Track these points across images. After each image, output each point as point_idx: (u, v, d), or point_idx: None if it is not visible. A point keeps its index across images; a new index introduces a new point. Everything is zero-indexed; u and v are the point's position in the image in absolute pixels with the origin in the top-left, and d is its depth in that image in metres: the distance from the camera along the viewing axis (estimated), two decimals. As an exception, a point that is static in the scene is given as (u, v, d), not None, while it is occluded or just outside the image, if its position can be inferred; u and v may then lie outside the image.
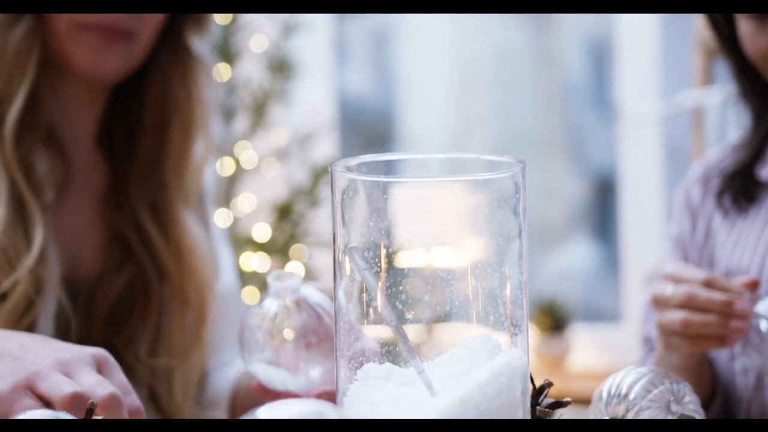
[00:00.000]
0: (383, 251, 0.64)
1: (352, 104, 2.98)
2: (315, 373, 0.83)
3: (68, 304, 1.01)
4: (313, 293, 0.84)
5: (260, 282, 2.00)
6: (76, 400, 0.74)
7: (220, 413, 1.07)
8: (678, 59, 2.34)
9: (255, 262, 2.09)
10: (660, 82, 2.44)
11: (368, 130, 3.16)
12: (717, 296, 0.95)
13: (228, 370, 1.10)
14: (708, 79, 1.91)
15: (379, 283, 0.64)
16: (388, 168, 0.66)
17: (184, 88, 1.09)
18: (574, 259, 3.15)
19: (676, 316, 0.96)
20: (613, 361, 2.25)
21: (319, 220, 2.22)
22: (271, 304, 0.82)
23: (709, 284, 0.96)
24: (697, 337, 0.97)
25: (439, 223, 0.65)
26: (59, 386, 0.75)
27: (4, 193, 0.96)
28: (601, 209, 3.12)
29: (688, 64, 2.09)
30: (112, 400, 0.75)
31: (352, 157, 0.65)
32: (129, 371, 1.04)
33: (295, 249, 2.12)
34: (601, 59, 3.00)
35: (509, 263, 0.65)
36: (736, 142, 1.21)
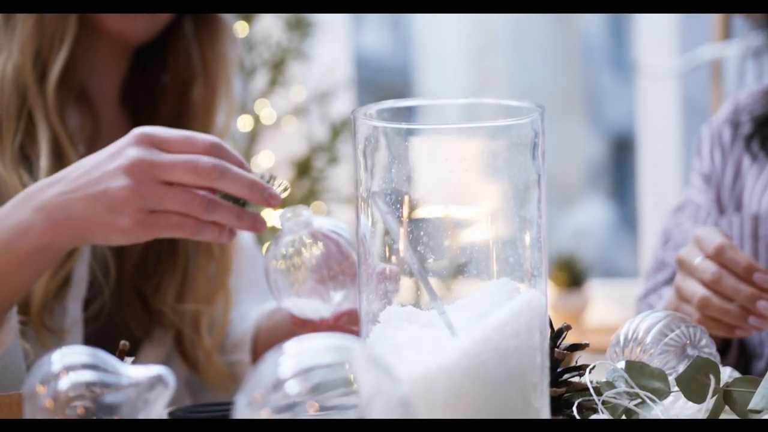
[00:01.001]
0: (405, 197, 0.66)
1: (368, 62, 2.98)
2: (344, 297, 0.85)
3: (107, 251, 1.05)
4: (325, 222, 0.85)
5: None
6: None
7: (244, 356, 1.11)
8: (696, 14, 2.32)
9: (274, 218, 2.10)
10: (678, 37, 2.43)
11: (385, 88, 3.16)
12: (743, 288, 0.90)
13: (248, 316, 1.13)
14: (727, 34, 1.90)
15: (401, 228, 0.65)
16: (409, 115, 0.67)
17: (211, 52, 1.13)
18: (590, 217, 3.15)
19: (697, 290, 0.92)
20: (631, 316, 2.25)
21: (338, 177, 2.23)
22: (288, 242, 0.84)
23: (749, 270, 0.90)
24: (710, 318, 0.93)
25: (459, 169, 0.66)
26: (177, 197, 0.78)
27: (46, 145, 1.00)
28: (618, 168, 3.12)
29: (706, 19, 2.07)
30: (216, 168, 0.78)
31: (374, 103, 0.67)
32: (158, 316, 1.08)
33: (314, 205, 2.14)
34: (619, 16, 2.98)
35: (528, 208, 0.66)
36: (767, 88, 1.20)
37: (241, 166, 0.81)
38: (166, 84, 1.14)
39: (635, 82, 2.55)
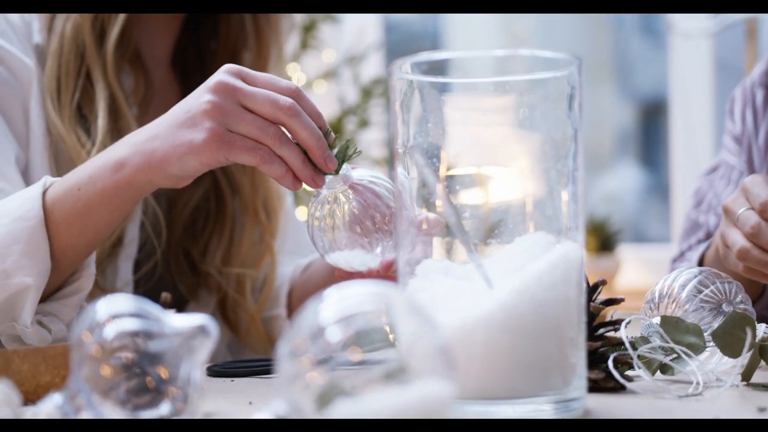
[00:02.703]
0: (441, 150, 0.66)
1: (398, 27, 2.97)
2: (390, 246, 0.85)
3: (160, 211, 1.06)
4: (364, 174, 0.85)
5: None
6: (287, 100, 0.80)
7: (280, 311, 1.12)
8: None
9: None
10: (712, -2, 2.39)
11: (414, 52, 3.14)
12: None
13: (283, 272, 1.14)
14: (762, -7, 1.86)
15: (438, 181, 0.65)
16: (444, 68, 0.67)
17: (266, 19, 1.13)
18: (620, 183, 3.13)
19: (738, 240, 0.93)
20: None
21: (369, 140, 2.23)
22: (329, 196, 0.84)
23: None
24: (751, 269, 0.94)
25: (495, 123, 0.66)
26: (255, 121, 0.79)
27: (104, 104, 1.01)
28: (648, 133, 3.09)
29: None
30: (294, 107, 0.79)
31: (409, 56, 0.66)
32: (205, 279, 1.09)
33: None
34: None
35: (566, 162, 0.66)
36: None
37: (318, 117, 0.82)
38: (215, 49, 1.15)
39: (668, 43, 2.52)
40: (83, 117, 1.03)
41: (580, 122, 0.67)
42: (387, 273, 0.85)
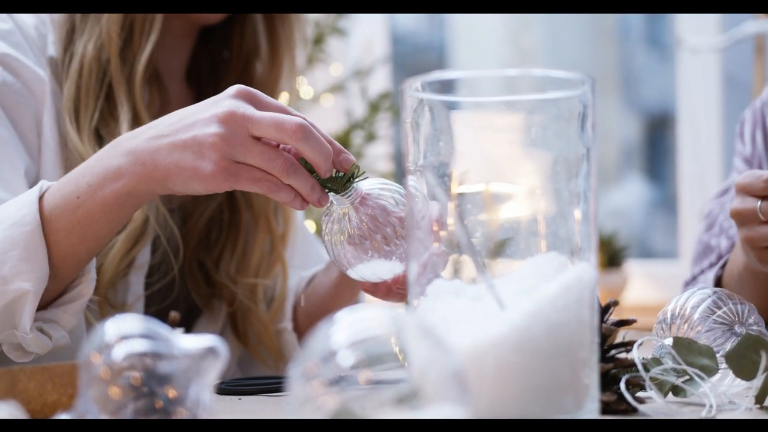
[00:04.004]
0: (452, 170, 0.65)
1: (404, 39, 2.97)
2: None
3: (175, 227, 1.05)
4: (373, 184, 0.84)
5: (317, 214, 2.03)
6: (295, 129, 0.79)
7: (286, 324, 1.12)
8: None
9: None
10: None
11: (420, 65, 3.15)
12: None
13: (288, 287, 1.14)
14: (771, 9, 1.86)
15: (449, 201, 0.65)
16: (456, 87, 0.67)
17: (281, 27, 1.13)
18: (626, 197, 3.13)
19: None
20: (671, 296, 2.24)
21: (375, 154, 2.23)
22: (340, 212, 0.83)
23: None
24: None
25: (507, 141, 0.66)
26: (263, 153, 0.79)
27: (127, 128, 1.00)
28: (654, 148, 3.08)
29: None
30: (302, 128, 0.79)
31: (421, 75, 0.66)
32: (218, 289, 1.09)
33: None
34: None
35: (577, 181, 0.65)
36: None
37: (329, 143, 0.82)
38: (228, 59, 1.15)
39: (675, 57, 2.52)
40: (100, 137, 1.02)
41: (592, 142, 0.66)
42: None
